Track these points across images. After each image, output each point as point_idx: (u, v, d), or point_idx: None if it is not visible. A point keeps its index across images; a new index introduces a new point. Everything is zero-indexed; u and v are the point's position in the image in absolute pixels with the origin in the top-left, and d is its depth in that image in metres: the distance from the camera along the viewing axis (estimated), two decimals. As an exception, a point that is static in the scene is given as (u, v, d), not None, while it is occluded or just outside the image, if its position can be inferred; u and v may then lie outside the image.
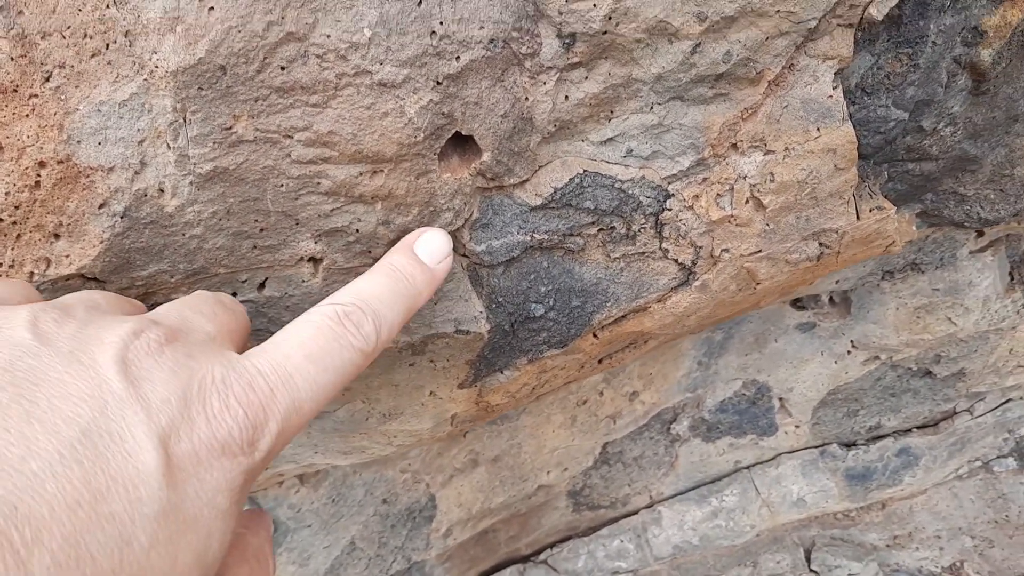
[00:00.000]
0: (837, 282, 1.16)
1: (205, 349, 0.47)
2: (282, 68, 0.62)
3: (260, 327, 0.73)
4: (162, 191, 0.63)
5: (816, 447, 1.49)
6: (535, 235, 0.75)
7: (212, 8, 0.59)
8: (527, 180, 0.73)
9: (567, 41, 0.66)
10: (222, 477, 0.41)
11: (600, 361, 0.94)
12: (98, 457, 0.35)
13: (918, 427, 1.47)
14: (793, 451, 1.49)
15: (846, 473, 1.48)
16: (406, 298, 0.60)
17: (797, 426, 1.44)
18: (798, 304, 1.28)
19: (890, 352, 1.29)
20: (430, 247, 0.66)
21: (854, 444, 1.48)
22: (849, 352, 1.33)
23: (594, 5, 0.64)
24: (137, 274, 0.67)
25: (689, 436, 1.40)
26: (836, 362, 1.32)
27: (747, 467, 1.51)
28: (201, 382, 0.43)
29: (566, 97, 0.69)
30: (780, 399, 1.41)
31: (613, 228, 0.76)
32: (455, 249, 0.75)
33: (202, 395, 0.42)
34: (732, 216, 0.76)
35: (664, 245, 0.77)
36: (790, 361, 1.34)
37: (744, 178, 0.75)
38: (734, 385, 1.35)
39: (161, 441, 0.38)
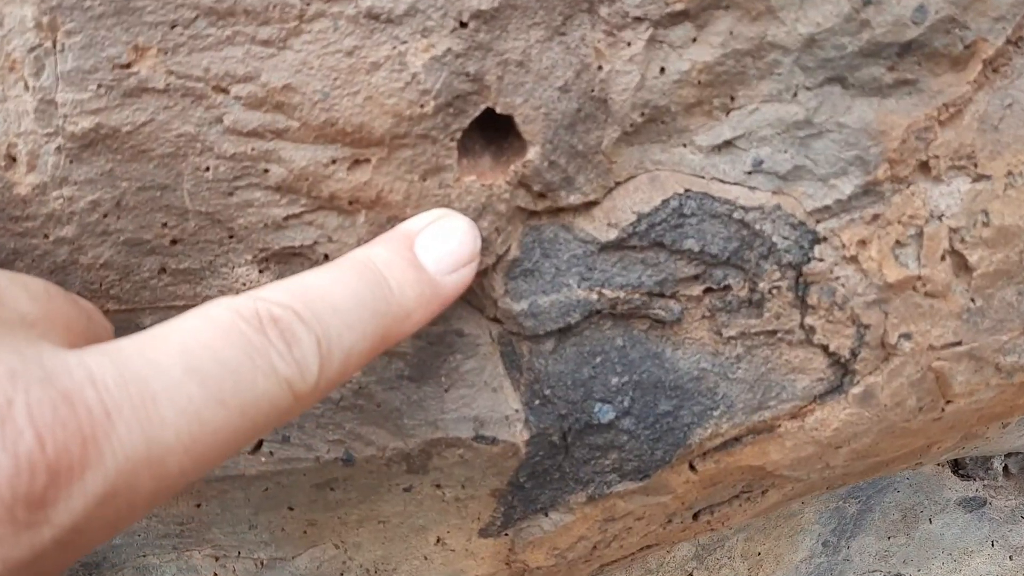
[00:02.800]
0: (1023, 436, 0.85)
1: (3, 330, 0.29)
2: (217, -22, 0.40)
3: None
4: (13, 159, 0.40)
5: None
6: (605, 292, 0.48)
7: None
8: (596, 202, 0.47)
9: (667, -28, 0.42)
10: None
11: (696, 516, 0.64)
12: None
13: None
14: None
15: None
16: (380, 316, 0.36)
17: (950, 646, 1.10)
18: (961, 471, 0.97)
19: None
20: (442, 244, 0.41)
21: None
22: (1026, 547, 0.99)
23: (712, -91, 0.40)
24: (-28, 297, 0.42)
25: (805, 648, 1.07)
26: (1012, 558, 1.01)
27: None
28: None
29: (662, 69, 0.44)
30: None
31: (728, 287, 0.48)
32: (481, 307, 0.49)
33: None
34: (919, 279, 0.48)
35: (808, 320, 0.49)
36: (948, 552, 1.05)
37: (940, 218, 0.47)
38: None
39: None
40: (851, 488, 0.93)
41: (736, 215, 0.46)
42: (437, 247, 0.40)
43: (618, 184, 0.47)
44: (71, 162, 0.40)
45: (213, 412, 0.29)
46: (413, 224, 0.41)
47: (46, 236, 0.41)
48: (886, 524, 1.00)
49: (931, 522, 1.02)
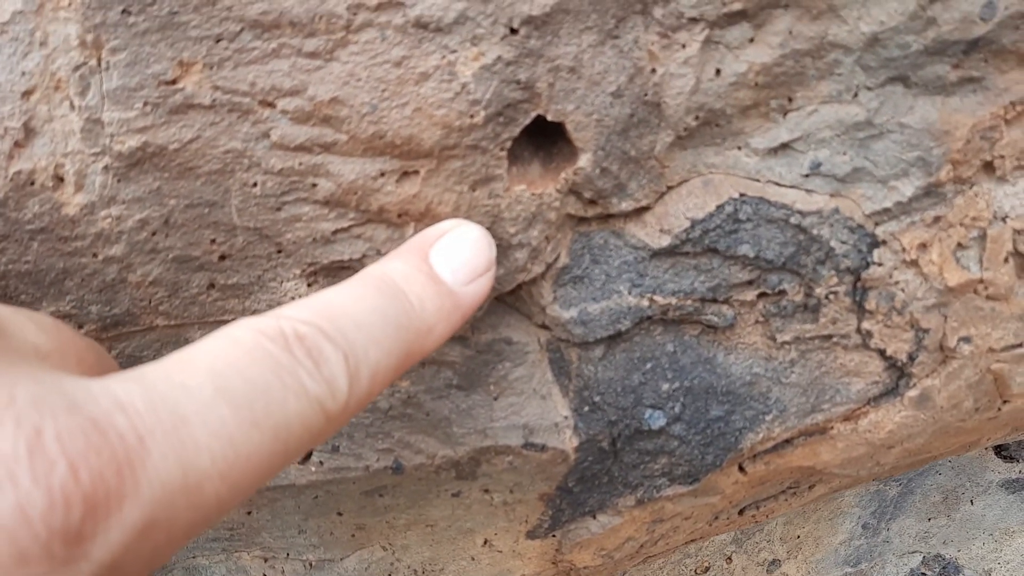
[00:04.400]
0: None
1: (12, 356, 0.27)
2: (262, -10, 0.39)
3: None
4: (60, 179, 0.39)
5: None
6: (656, 298, 0.47)
7: None
8: (648, 207, 0.46)
9: (724, -28, 0.40)
10: None
11: (742, 512, 0.64)
12: None
13: None
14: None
15: None
16: (403, 331, 0.35)
17: (988, 622, 1.10)
18: (1004, 452, 0.95)
19: None
20: (457, 254, 0.39)
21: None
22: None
23: (773, -94, 0.39)
24: (23, 316, 0.42)
25: (841, 626, 1.07)
26: (1053, 537, 1.01)
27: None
28: None
29: (717, 71, 0.43)
30: None
31: (783, 292, 0.47)
32: (529, 314, 0.48)
33: None
34: (981, 281, 0.47)
35: (865, 325, 0.48)
36: (989, 532, 1.04)
37: (1004, 219, 0.46)
38: (911, 560, 1.05)
39: None
40: (892, 471, 0.92)
41: (793, 220, 0.45)
42: (453, 259, 0.39)
43: (670, 189, 0.46)
44: (119, 181, 0.40)
45: (247, 435, 0.28)
46: (427, 237, 0.40)
47: (95, 255, 0.41)
48: (927, 506, 0.99)
49: (972, 503, 1.01)
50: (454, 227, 0.41)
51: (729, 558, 0.95)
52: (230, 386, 0.28)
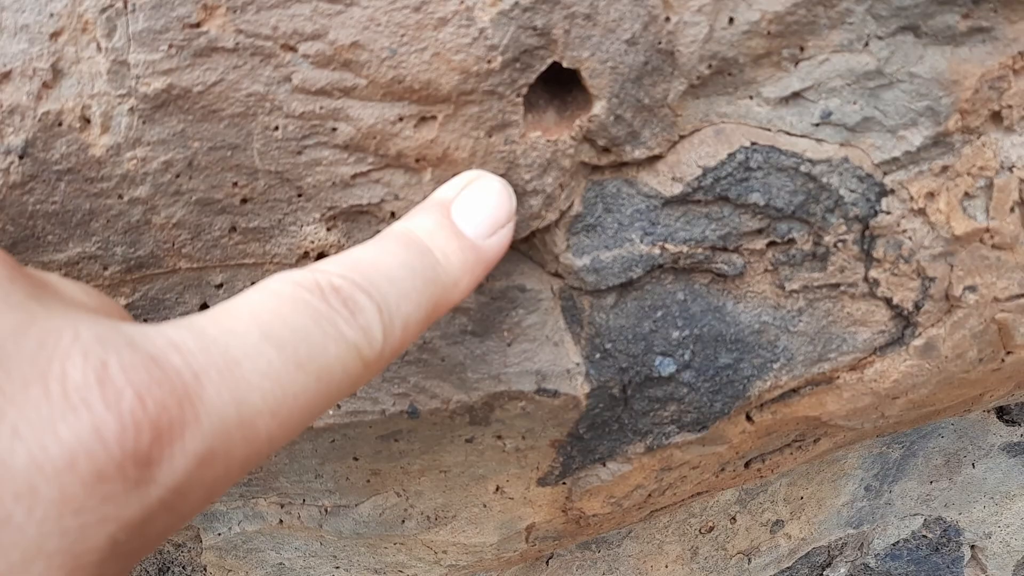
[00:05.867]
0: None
1: (68, 305, 0.29)
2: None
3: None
4: (87, 120, 0.40)
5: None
6: (668, 247, 0.48)
7: None
8: (660, 156, 0.47)
9: (738, -81, 0.41)
10: (75, 527, 0.23)
11: (748, 464, 0.65)
12: None
13: None
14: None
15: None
16: (431, 285, 0.37)
17: (987, 586, 1.11)
18: (1006, 416, 0.96)
19: None
20: (478, 208, 0.41)
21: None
22: (1067, 490, 1.00)
23: None
24: (50, 258, 0.43)
25: (842, 587, 1.08)
26: (1053, 501, 1.02)
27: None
28: (46, 338, 0.25)
29: (730, 20, 0.43)
30: (973, 547, 1.12)
31: (792, 241, 0.48)
32: (542, 262, 0.49)
33: (47, 359, 0.25)
34: (987, 231, 0.48)
35: (872, 273, 0.49)
36: (990, 496, 1.04)
37: (1011, 169, 0.47)
38: (913, 523, 1.06)
39: None
40: (896, 434, 0.93)
41: (803, 168, 0.46)
42: (474, 212, 0.40)
43: (683, 137, 0.47)
44: (144, 123, 0.40)
45: (293, 376, 0.30)
46: (447, 191, 0.41)
47: (120, 196, 0.42)
48: (929, 469, 1.00)
49: (974, 467, 1.02)
50: (474, 179, 0.42)
51: (733, 518, 0.96)
52: (274, 331, 0.30)
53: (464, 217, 0.40)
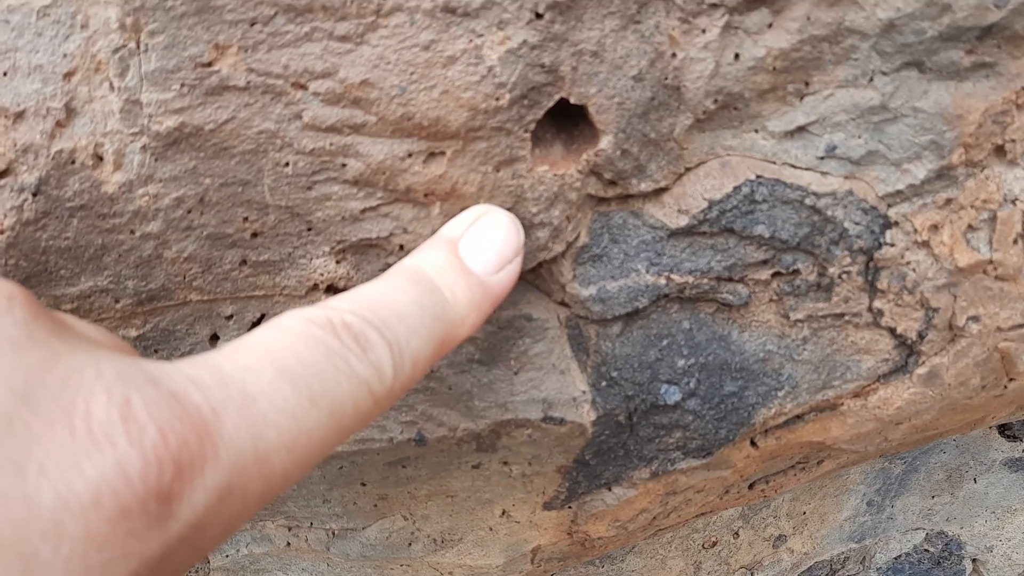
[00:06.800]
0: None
1: (88, 343, 0.29)
2: (295, -26, 0.40)
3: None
4: (100, 158, 0.41)
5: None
6: (673, 277, 0.48)
7: None
8: (666, 188, 0.47)
9: (745, -42, 0.41)
10: (100, 563, 0.23)
11: (752, 486, 0.65)
12: None
13: None
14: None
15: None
16: (439, 322, 0.37)
17: (988, 597, 1.11)
18: (1008, 432, 0.96)
19: None
20: (485, 245, 0.41)
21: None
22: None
23: None
24: (62, 291, 0.43)
25: (844, 599, 1.08)
26: (1054, 515, 1.02)
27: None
28: (70, 376, 0.26)
29: (736, 56, 0.44)
30: (974, 560, 1.12)
31: (797, 272, 0.49)
32: (549, 292, 0.49)
33: (71, 397, 0.25)
34: (990, 262, 0.48)
35: (877, 304, 0.49)
36: (992, 510, 1.04)
37: (1014, 202, 0.47)
38: (915, 537, 1.06)
39: None
40: (897, 449, 0.93)
41: (808, 201, 0.46)
42: (481, 249, 0.41)
43: (688, 170, 0.47)
44: (156, 160, 0.41)
45: (307, 412, 0.30)
46: (455, 228, 0.42)
47: (132, 232, 0.42)
48: (931, 484, 1.01)
49: (976, 481, 1.02)
50: (482, 215, 0.42)
51: (736, 533, 0.96)
52: (288, 368, 0.30)
53: (471, 254, 0.40)
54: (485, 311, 0.40)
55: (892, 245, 0.47)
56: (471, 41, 0.41)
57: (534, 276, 0.49)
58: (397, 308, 0.35)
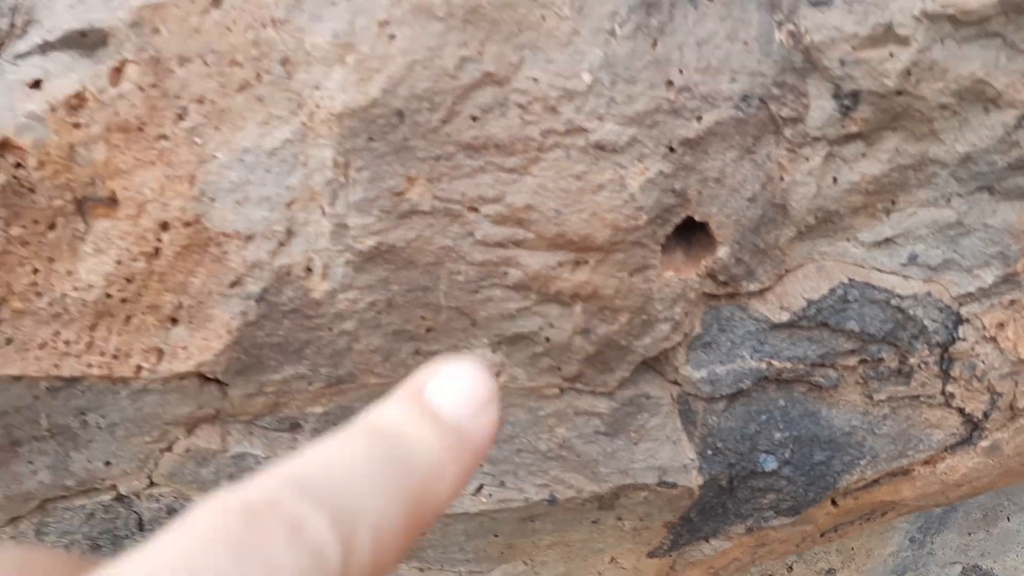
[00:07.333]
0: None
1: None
2: (474, 119, 0.47)
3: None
4: (310, 270, 0.48)
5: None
6: (774, 363, 0.56)
7: (394, 36, 0.45)
8: (769, 287, 0.54)
9: (846, 103, 0.48)
10: None
11: (823, 534, 0.72)
12: None
13: None
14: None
15: None
16: (405, 477, 0.28)
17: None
18: (1042, 477, 1.03)
19: None
20: (454, 388, 0.26)
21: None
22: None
23: (890, 55, 0.47)
24: (267, 377, 0.51)
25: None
26: (1084, 554, 1.07)
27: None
28: None
29: (835, 180, 0.51)
30: None
31: (881, 360, 0.56)
32: (664, 372, 0.57)
33: None
34: (1049, 353, 0.55)
35: (949, 388, 0.57)
36: (1023, 545, 1.09)
37: (1070, 302, 0.55)
38: (952, 571, 1.11)
39: None
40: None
41: (893, 302, 0.54)
42: (451, 393, 0.32)
43: (788, 271, 0.54)
44: (356, 272, 0.49)
45: None
46: (419, 378, 0.32)
47: (331, 329, 0.50)
48: (968, 522, 1.06)
49: (1009, 520, 1.07)
50: (446, 364, 0.31)
51: (790, 567, 1.03)
52: None
53: (440, 398, 0.31)
54: (467, 462, 0.31)
55: (964, 340, 0.55)
56: (616, 172, 0.48)
57: (653, 360, 0.56)
58: (345, 468, 0.27)
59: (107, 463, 0.56)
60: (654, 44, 0.48)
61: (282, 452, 0.56)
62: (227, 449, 0.55)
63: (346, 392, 0.53)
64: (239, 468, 0.56)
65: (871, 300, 0.54)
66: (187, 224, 0.47)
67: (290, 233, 0.47)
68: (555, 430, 0.57)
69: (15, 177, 0.46)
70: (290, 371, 0.51)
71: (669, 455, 0.58)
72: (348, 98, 0.45)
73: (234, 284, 0.48)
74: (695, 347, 0.55)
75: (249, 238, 0.47)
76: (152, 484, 0.58)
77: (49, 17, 0.47)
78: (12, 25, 0.47)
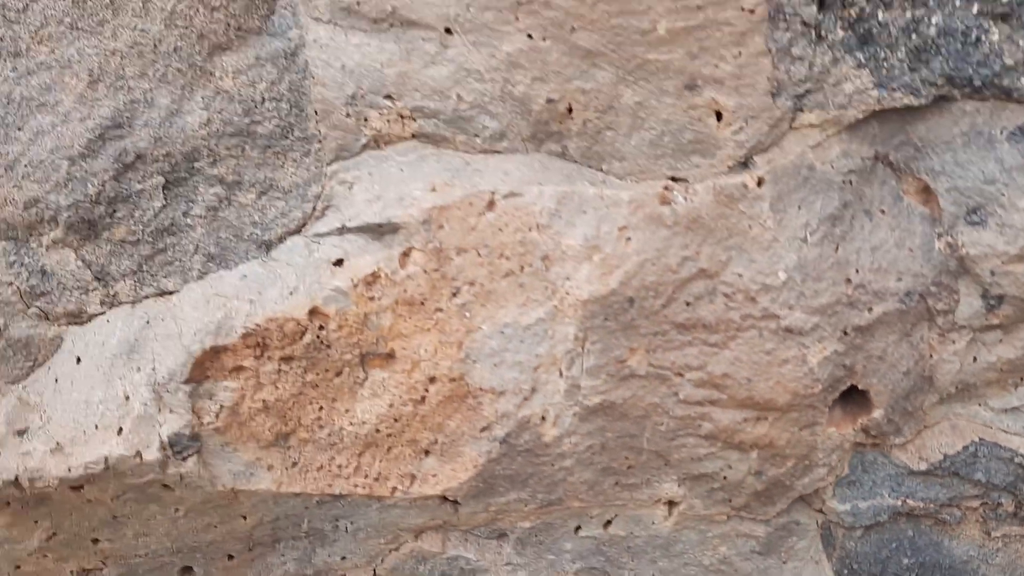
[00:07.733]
0: None
1: None
2: (687, 304, 0.57)
3: (595, 565, 0.66)
4: (544, 419, 0.59)
5: None
6: (908, 501, 0.65)
7: (630, 239, 0.55)
8: (910, 441, 0.64)
9: (992, 302, 0.58)
10: None
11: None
12: None
13: None
14: None
15: None
16: None
17: None
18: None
19: None
20: None
21: None
22: None
23: (1035, 269, 0.57)
24: (494, 500, 0.61)
25: None
26: None
27: None
28: None
29: (975, 359, 0.61)
30: None
31: (1000, 504, 0.66)
32: (811, 502, 0.67)
33: None
34: None
35: (1057, 531, 0.66)
36: None
37: None
38: None
39: None
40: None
41: (1016, 460, 0.63)
42: None
43: (926, 428, 0.64)
44: (580, 421, 0.59)
45: None
46: None
47: (552, 465, 0.60)
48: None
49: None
50: None
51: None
52: None
53: None
54: None
55: (1075, 493, 0.64)
56: (800, 350, 0.58)
57: (805, 493, 0.66)
58: None
59: (343, 558, 0.66)
60: (836, 248, 0.58)
61: (490, 556, 0.66)
62: (445, 551, 0.66)
63: (552, 512, 0.63)
64: (451, 567, 0.67)
65: (997, 457, 0.64)
66: (452, 380, 0.57)
67: (533, 390, 0.58)
68: (718, 548, 0.67)
69: (318, 336, 0.56)
70: (513, 495, 0.61)
71: (811, 573, 0.67)
72: (593, 288, 0.56)
73: (484, 429, 0.58)
74: (841, 484, 0.65)
75: (501, 393, 0.57)
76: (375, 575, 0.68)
77: (348, 207, 0.57)
78: (314, 209, 0.58)
